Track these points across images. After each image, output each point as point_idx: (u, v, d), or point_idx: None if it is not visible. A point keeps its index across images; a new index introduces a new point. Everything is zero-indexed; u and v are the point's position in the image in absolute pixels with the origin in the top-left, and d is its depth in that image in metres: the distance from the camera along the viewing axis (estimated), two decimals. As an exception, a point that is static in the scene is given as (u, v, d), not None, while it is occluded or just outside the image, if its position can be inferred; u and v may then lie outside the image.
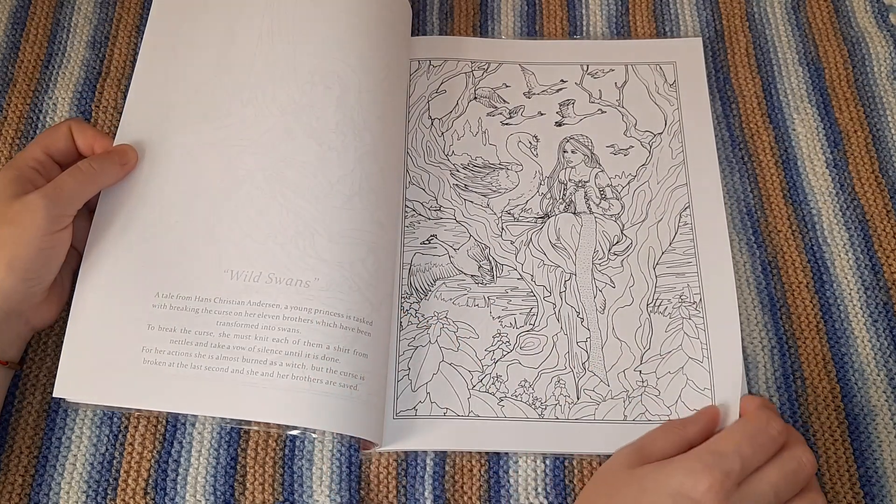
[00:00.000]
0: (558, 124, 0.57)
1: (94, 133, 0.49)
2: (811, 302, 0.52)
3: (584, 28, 0.61)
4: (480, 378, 0.49)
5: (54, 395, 0.45)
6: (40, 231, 0.43)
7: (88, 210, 0.48)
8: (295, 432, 0.48)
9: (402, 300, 0.51)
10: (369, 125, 0.51)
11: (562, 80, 0.58)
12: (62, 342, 0.49)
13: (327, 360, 0.45)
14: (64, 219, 0.45)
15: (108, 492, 0.46)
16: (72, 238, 0.46)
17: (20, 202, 0.44)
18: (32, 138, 0.55)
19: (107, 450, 0.47)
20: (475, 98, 0.57)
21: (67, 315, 0.46)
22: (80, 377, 0.45)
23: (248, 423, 0.48)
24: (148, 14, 0.55)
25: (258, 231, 0.47)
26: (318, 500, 0.46)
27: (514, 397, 0.48)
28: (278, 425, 0.47)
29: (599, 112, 0.57)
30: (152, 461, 0.47)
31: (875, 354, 0.50)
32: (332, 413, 0.44)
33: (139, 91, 0.52)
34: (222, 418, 0.47)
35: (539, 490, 0.47)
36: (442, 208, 0.54)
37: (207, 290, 0.46)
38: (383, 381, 0.47)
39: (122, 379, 0.45)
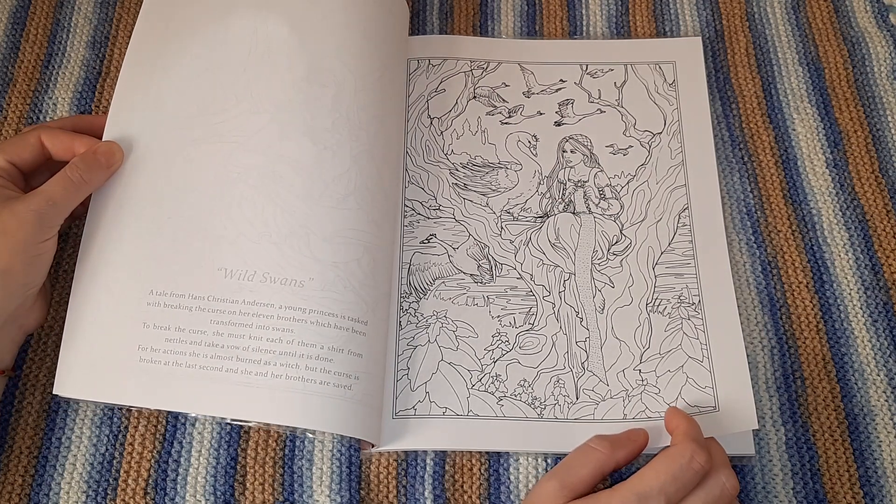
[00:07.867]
0: (558, 124, 0.57)
1: (70, 136, 0.48)
2: (811, 302, 0.52)
3: (584, 28, 0.61)
4: (480, 377, 0.49)
5: (53, 392, 0.45)
6: (31, 241, 0.43)
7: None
8: (295, 431, 0.48)
9: (401, 299, 0.51)
10: (365, 124, 0.50)
11: (561, 80, 0.58)
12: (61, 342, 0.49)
13: (321, 360, 0.45)
14: (54, 228, 0.45)
15: (108, 492, 0.46)
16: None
17: (8, 211, 0.43)
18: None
19: (107, 450, 0.47)
20: (474, 97, 0.57)
21: (66, 315, 0.46)
22: (79, 375, 0.45)
23: (248, 421, 0.47)
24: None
25: (252, 229, 0.47)
26: (318, 500, 0.46)
27: (513, 397, 0.48)
28: (276, 424, 0.47)
29: (599, 112, 0.57)
30: (152, 461, 0.47)
31: (875, 354, 0.50)
32: (326, 413, 0.44)
33: (127, 86, 0.51)
34: (221, 417, 0.47)
35: (538, 490, 0.47)
36: (441, 207, 0.54)
37: (201, 289, 0.46)
38: (380, 382, 0.47)
39: (119, 377, 0.45)
